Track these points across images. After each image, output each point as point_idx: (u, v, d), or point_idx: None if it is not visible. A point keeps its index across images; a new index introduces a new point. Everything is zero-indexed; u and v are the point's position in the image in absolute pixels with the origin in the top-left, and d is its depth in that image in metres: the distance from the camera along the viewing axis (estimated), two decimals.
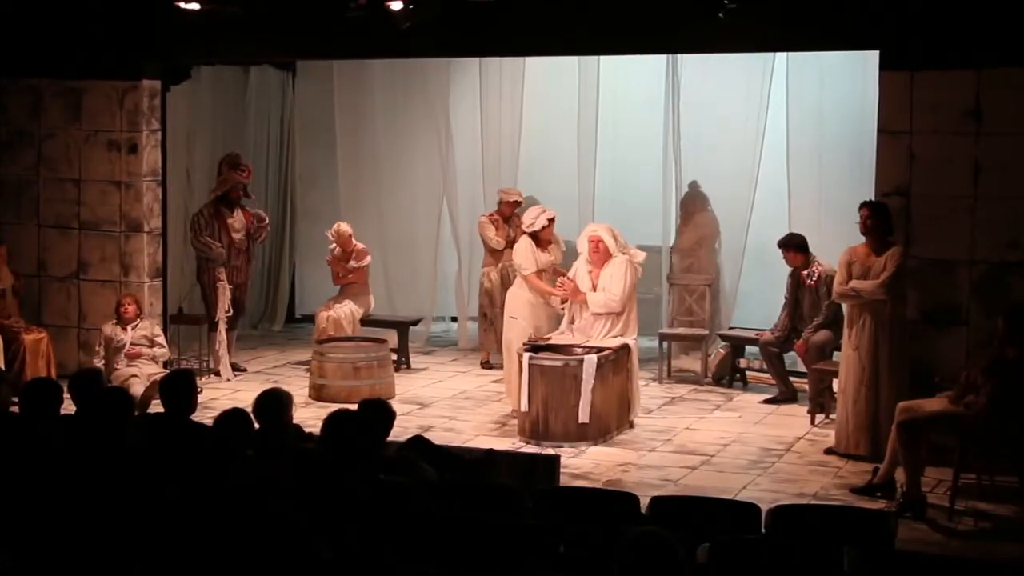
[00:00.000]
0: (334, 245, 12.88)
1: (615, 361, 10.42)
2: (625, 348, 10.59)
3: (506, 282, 12.76)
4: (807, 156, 12.60)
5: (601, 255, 10.65)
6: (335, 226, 12.91)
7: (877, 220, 9.65)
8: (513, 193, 13.12)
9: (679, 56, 12.74)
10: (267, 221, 13.30)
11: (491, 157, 13.84)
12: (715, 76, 12.81)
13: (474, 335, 13.83)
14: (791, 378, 11.78)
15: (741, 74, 12.63)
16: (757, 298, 13.00)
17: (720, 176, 12.98)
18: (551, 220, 11.21)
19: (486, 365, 12.97)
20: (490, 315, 13.06)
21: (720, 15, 9.87)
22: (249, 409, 6.73)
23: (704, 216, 13.16)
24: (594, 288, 10.68)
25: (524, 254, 11.17)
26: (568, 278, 10.80)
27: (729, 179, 12.85)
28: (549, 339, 10.77)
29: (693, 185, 13.13)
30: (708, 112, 12.97)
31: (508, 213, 13.02)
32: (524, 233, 11.33)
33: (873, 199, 9.84)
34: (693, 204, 13.16)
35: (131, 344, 11.24)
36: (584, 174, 13.59)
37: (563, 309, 11.00)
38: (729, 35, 10.26)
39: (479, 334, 13.45)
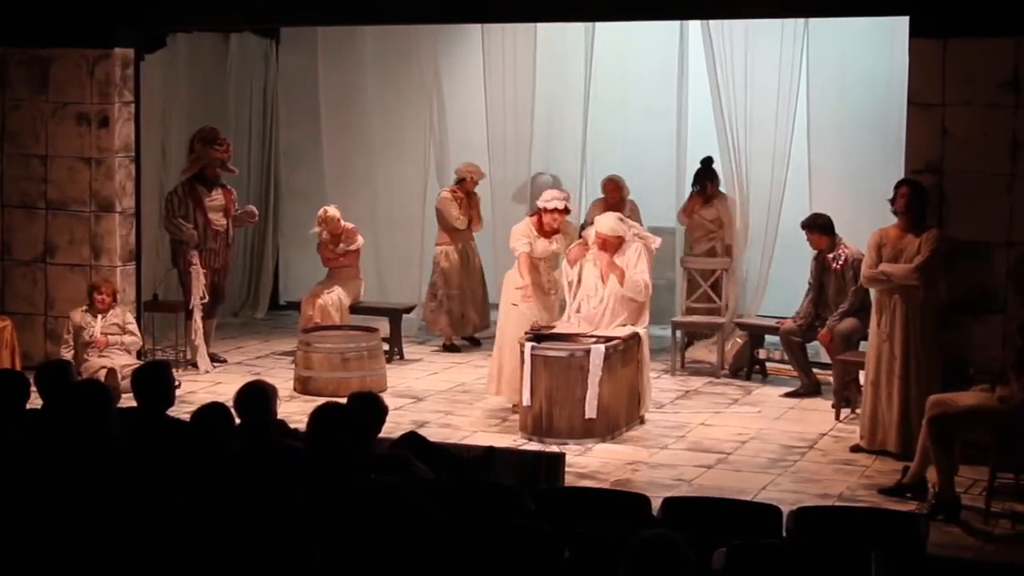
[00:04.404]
0: (319, 229, 12.90)
1: (624, 351, 10.41)
2: (635, 337, 10.57)
3: (465, 261, 13.14)
4: (829, 131, 12.50)
5: (612, 248, 10.60)
6: (320, 212, 12.95)
7: (918, 199, 9.61)
8: (476, 170, 13.27)
9: (689, 24, 12.68)
10: (257, 218, 13.35)
11: (496, 133, 13.72)
12: (739, 45, 12.76)
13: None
14: (814, 370, 11.76)
15: (768, 43, 12.47)
16: (778, 284, 12.93)
17: (741, 154, 12.90)
18: (558, 209, 10.98)
19: (450, 347, 13.25)
20: (441, 296, 13.22)
21: None
22: (230, 403, 6.72)
23: (722, 196, 13.10)
24: (603, 278, 10.62)
25: (519, 233, 11.07)
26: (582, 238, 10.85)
27: (753, 156, 12.69)
28: (553, 328, 10.74)
29: (706, 162, 13.07)
30: (730, 85, 12.91)
31: (471, 189, 13.24)
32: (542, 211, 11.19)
33: (904, 177, 9.82)
34: (711, 183, 13.10)
35: (100, 332, 11.24)
36: (592, 151, 13.54)
37: (527, 300, 10.95)
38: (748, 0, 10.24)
39: (425, 315, 13.57)
